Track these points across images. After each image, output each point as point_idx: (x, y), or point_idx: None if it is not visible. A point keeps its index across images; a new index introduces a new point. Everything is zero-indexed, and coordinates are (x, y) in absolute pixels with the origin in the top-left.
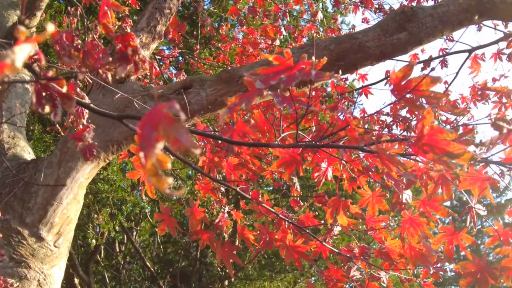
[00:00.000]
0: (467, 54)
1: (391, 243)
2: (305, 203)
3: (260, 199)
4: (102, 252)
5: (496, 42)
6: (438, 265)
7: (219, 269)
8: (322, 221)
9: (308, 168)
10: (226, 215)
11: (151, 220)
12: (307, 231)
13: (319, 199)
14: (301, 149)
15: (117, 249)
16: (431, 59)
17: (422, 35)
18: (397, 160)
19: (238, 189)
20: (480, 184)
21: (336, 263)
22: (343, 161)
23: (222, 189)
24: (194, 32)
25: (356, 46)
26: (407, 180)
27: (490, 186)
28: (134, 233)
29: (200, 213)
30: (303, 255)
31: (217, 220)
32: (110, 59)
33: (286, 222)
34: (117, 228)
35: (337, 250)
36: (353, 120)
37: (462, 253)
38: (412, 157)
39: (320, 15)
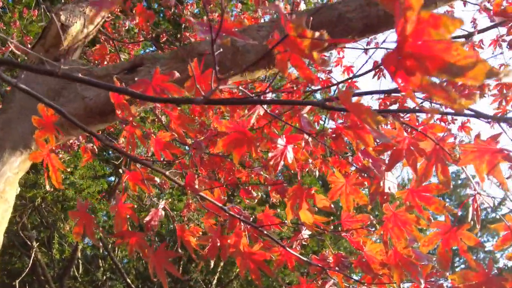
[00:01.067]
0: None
1: (371, 248)
2: (261, 193)
3: (196, 185)
4: (81, 267)
5: (496, 26)
6: (432, 278)
7: (204, 286)
8: (286, 221)
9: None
10: (161, 212)
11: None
12: (266, 232)
13: (276, 188)
14: (253, 121)
15: (100, 264)
16: None
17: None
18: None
19: (167, 173)
20: (490, 158)
21: (308, 275)
22: (305, 135)
23: (157, 179)
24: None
25: (335, 17)
26: (389, 158)
27: (503, 160)
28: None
29: (127, 210)
30: (261, 265)
31: (147, 219)
32: None
33: (240, 222)
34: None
35: (306, 259)
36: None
37: (462, 258)
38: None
39: None
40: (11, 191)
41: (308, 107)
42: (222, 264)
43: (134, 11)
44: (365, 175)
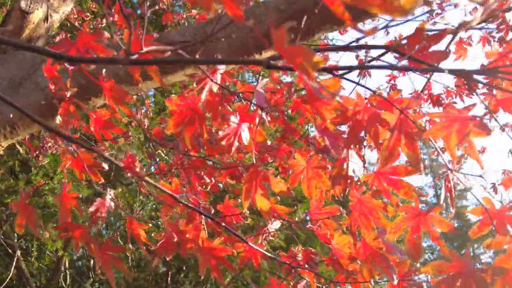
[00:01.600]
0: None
1: (339, 241)
2: (216, 179)
3: (137, 168)
4: (68, 277)
5: (484, 21)
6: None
7: None
8: (245, 211)
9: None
10: (109, 202)
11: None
12: (224, 225)
13: (230, 172)
14: (203, 96)
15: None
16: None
17: None
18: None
19: (106, 154)
20: (459, 127)
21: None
22: (258, 111)
23: (105, 166)
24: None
25: (312, 4)
26: (347, 131)
27: (476, 129)
28: None
29: (71, 200)
30: (223, 262)
31: (91, 209)
32: None
33: (198, 213)
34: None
35: (272, 255)
36: None
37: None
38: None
39: None
40: None
41: (264, 81)
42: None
43: (113, 9)
44: (325, 155)
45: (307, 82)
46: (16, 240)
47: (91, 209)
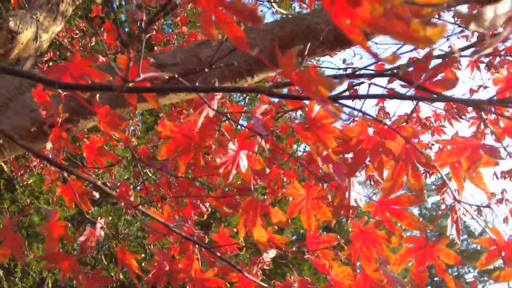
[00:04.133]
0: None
1: (338, 272)
2: (210, 207)
3: (131, 197)
4: None
5: (473, 46)
6: None
7: None
8: (241, 241)
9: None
10: (99, 231)
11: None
12: (219, 255)
13: (227, 201)
14: (200, 122)
15: None
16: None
17: None
18: (322, 79)
19: (98, 182)
20: (469, 154)
21: None
22: (257, 138)
23: (96, 194)
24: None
25: (304, 28)
26: (351, 160)
27: (486, 156)
28: None
29: (60, 229)
30: None
31: (81, 238)
32: None
33: (192, 243)
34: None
35: (267, 286)
36: None
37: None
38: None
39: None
40: None
41: (263, 108)
42: None
43: (102, 28)
44: (326, 184)
45: (323, 107)
46: None
47: (81, 238)
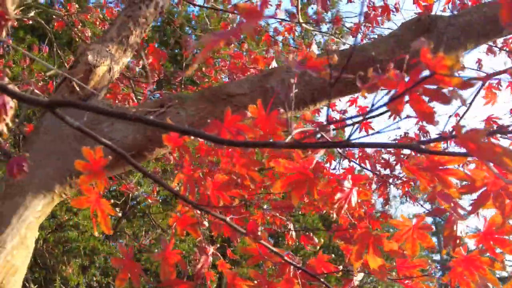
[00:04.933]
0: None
1: None
2: (320, 239)
3: (259, 233)
4: None
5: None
6: None
7: None
8: (341, 267)
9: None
10: (210, 260)
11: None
12: (321, 279)
13: (340, 234)
14: (315, 161)
15: None
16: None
17: (443, 48)
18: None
19: (227, 219)
20: None
21: None
22: (375, 176)
23: (206, 223)
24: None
25: (367, 59)
26: (475, 200)
27: None
28: None
29: (176, 257)
30: None
31: (198, 266)
32: None
33: (292, 267)
34: (94, 283)
35: None
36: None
37: None
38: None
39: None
40: (31, 237)
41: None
42: None
43: (146, 51)
44: (441, 218)
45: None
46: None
47: (198, 266)
